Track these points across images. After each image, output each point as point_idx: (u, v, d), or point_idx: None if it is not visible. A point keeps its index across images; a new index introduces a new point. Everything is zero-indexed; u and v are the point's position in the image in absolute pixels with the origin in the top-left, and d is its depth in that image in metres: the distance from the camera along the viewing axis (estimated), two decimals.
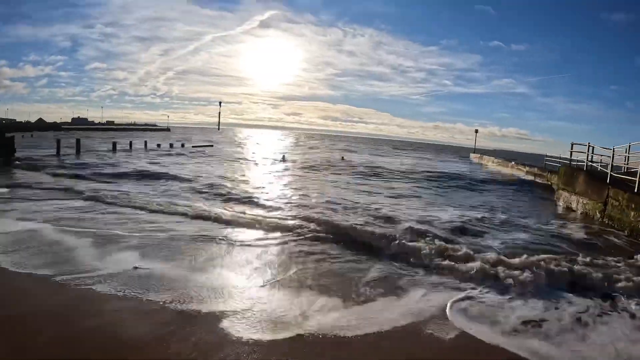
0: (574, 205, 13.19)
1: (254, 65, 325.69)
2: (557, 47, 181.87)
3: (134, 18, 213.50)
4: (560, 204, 14.06)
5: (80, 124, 79.70)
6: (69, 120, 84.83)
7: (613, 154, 11.72)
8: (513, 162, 26.89)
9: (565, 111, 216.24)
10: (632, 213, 9.94)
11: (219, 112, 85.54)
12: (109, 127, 79.04)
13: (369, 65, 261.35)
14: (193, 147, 36.10)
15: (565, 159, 18.91)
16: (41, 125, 55.74)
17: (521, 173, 23.55)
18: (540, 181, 19.62)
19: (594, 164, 14.16)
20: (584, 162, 14.78)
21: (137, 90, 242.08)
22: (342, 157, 31.67)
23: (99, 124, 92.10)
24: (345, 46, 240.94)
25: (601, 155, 14.78)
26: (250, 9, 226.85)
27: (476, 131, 56.50)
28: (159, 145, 31.43)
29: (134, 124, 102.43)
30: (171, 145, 33.21)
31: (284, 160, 25.81)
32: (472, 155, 49.19)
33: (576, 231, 9.57)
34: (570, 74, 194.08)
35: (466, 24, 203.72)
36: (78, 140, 23.20)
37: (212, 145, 40.51)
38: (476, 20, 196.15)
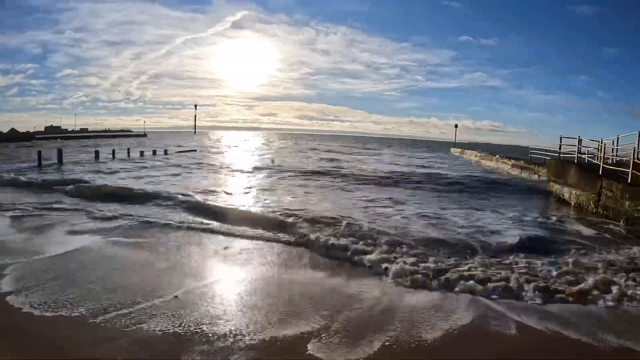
0: (566, 197, 13.67)
1: (227, 67, 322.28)
2: (526, 40, 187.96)
3: (104, 22, 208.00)
4: (555, 194, 14.56)
5: (54, 133, 76.64)
6: (42, 129, 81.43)
7: (604, 147, 12.21)
8: (497, 156, 27.59)
9: (539, 102, 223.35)
10: (627, 203, 10.40)
11: (195, 116, 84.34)
12: (85, 134, 76.30)
13: (342, 63, 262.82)
14: (177, 152, 35.73)
15: (550, 151, 19.62)
16: (14, 136, 53.25)
17: (506, 166, 24.17)
18: (526, 174, 20.21)
19: (582, 156, 14.75)
20: (572, 154, 15.40)
21: (110, 96, 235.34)
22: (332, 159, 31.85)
23: (73, 131, 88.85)
24: (318, 45, 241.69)
25: (588, 147, 15.41)
26: (222, 10, 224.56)
27: (456, 126, 58.24)
28: (142, 153, 30.57)
29: (109, 130, 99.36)
30: (154, 152, 32.45)
31: (272, 163, 25.78)
32: (452, 150, 50.31)
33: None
34: (541, 65, 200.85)
35: (435, 20, 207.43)
36: (60, 151, 22.32)
37: (195, 150, 40.12)
38: (444, 16, 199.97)
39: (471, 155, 36.82)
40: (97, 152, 25.32)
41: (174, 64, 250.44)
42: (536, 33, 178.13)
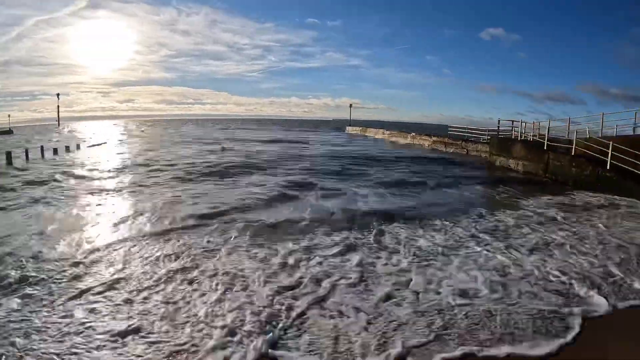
0: (512, 167, 17.70)
1: (83, 50, 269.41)
2: (383, 22, 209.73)
3: None
4: (498, 165, 18.59)
5: None
6: None
7: (548, 128, 16.35)
8: (413, 133, 31.63)
9: (397, 80, 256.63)
10: (574, 170, 14.51)
11: (58, 106, 70.05)
12: None
13: (204, 44, 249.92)
14: (89, 146, 30.31)
15: (467, 129, 24.33)
16: None
17: (426, 143, 28.26)
18: (452, 149, 24.40)
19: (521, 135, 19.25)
20: (507, 132, 19.99)
21: None
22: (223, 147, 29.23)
23: None
24: (179, 25, 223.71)
25: (512, 125, 20.03)
26: None
27: (350, 105, 62.27)
28: (56, 151, 24.38)
29: None
30: (67, 149, 26.14)
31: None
32: (348, 129, 53.96)
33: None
34: (403, 46, 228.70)
35: (285, 2, 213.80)
36: None
37: (106, 143, 34.72)
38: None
39: (377, 134, 40.05)
40: (8, 154, 19.03)
41: (25, 49, 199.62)
42: (393, 15, 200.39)
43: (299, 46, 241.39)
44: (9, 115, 75.47)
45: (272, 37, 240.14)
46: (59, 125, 72.42)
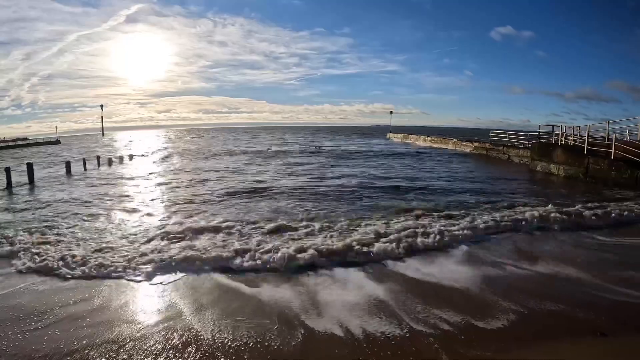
0: (553, 171, 18.15)
1: (123, 63, 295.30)
2: (414, 27, 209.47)
3: None
4: (539, 170, 19.05)
5: None
6: None
7: (588, 133, 16.77)
8: (455, 140, 32.18)
9: (433, 84, 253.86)
10: (614, 173, 14.92)
11: (102, 117, 77.03)
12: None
13: (241, 54, 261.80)
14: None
15: (507, 133, 24.70)
16: None
17: (467, 148, 28.76)
18: (494, 154, 24.82)
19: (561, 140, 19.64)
20: (547, 135, 20.48)
21: None
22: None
23: None
24: (216, 37, 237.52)
25: (552, 130, 20.39)
26: (116, 3, 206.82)
27: (390, 112, 63.36)
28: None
29: (5, 140, 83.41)
30: (121, 160, 29.64)
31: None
32: (389, 135, 54.93)
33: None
34: (435, 50, 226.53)
35: (322, 10, 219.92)
36: (30, 166, 19.52)
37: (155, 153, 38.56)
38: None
39: (419, 140, 40.72)
40: (68, 164, 22.28)
41: (67, 62, 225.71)
42: (430, 19, 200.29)
43: (335, 53, 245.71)
44: (56, 127, 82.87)
45: (308, 45, 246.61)
46: (102, 135, 78.96)
